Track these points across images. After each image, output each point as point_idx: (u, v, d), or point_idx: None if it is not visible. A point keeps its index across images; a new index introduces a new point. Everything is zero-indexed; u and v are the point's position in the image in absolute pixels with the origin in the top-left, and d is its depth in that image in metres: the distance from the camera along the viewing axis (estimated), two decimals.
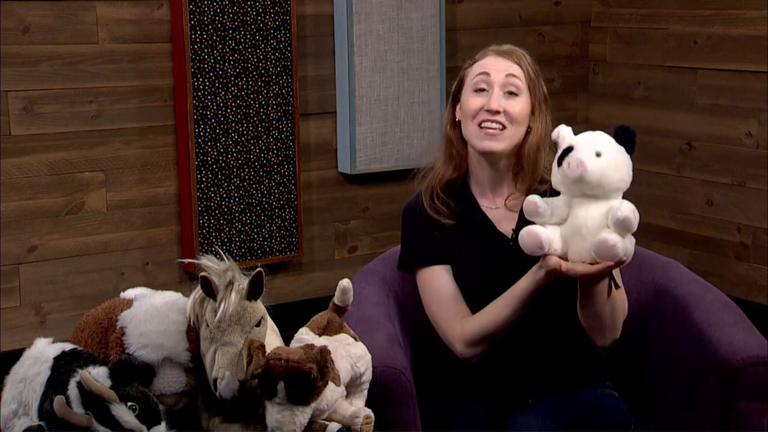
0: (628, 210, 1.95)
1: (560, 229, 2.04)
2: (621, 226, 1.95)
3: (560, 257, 2.03)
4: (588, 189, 2.00)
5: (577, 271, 2.02)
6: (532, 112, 2.29)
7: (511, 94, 2.25)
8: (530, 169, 2.28)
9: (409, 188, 2.46)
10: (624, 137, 2.03)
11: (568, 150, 2.02)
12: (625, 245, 1.97)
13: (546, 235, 2.03)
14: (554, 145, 2.11)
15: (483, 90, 2.25)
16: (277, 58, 3.93)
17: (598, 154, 1.99)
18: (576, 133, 2.07)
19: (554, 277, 2.06)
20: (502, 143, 2.24)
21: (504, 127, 2.24)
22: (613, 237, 1.96)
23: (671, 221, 4.46)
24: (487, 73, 2.26)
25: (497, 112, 2.22)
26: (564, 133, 2.07)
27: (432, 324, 2.31)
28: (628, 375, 2.46)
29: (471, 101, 2.26)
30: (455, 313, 2.27)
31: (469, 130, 2.26)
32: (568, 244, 2.04)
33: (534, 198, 2.05)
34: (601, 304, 2.15)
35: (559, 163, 2.02)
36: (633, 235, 2.01)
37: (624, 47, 4.62)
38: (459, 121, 2.32)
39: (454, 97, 2.35)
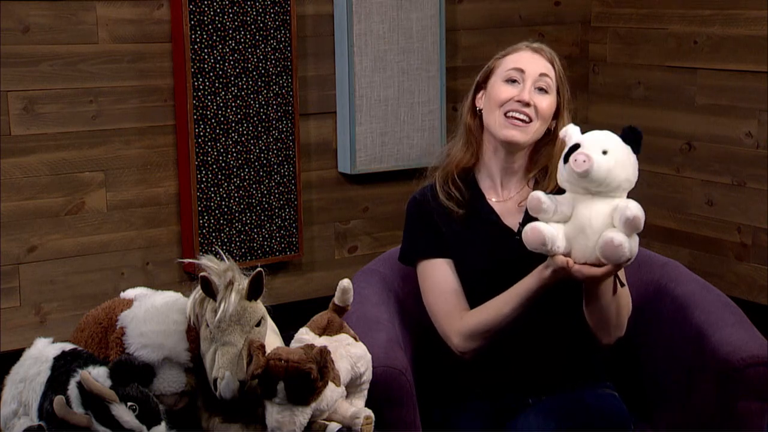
0: (636, 209, 1.95)
1: (564, 227, 2.03)
2: (629, 225, 1.94)
3: (564, 255, 2.03)
4: (594, 186, 1.99)
5: (583, 273, 2.02)
6: (558, 114, 2.31)
7: (542, 90, 2.27)
8: (554, 170, 2.27)
9: (409, 188, 2.46)
10: (631, 137, 2.03)
11: (575, 147, 2.02)
12: (630, 245, 1.97)
13: (550, 232, 2.02)
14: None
15: (515, 81, 2.27)
16: (277, 58, 3.93)
17: (605, 151, 1.99)
18: (582, 132, 2.08)
19: (560, 276, 2.06)
20: (525, 135, 2.27)
21: (530, 120, 2.26)
22: (619, 237, 1.95)
23: (671, 221, 4.45)
24: (521, 69, 2.27)
25: (527, 104, 2.24)
26: (571, 132, 2.08)
27: (430, 316, 2.31)
28: (629, 375, 2.46)
29: (502, 90, 2.27)
30: (454, 306, 2.27)
31: (494, 118, 2.28)
32: (571, 243, 2.03)
33: (538, 194, 2.04)
34: (607, 302, 2.16)
35: (566, 160, 2.02)
36: (636, 234, 2.01)
37: (624, 47, 4.61)
38: (480, 110, 2.33)
39: (478, 86, 2.36)
